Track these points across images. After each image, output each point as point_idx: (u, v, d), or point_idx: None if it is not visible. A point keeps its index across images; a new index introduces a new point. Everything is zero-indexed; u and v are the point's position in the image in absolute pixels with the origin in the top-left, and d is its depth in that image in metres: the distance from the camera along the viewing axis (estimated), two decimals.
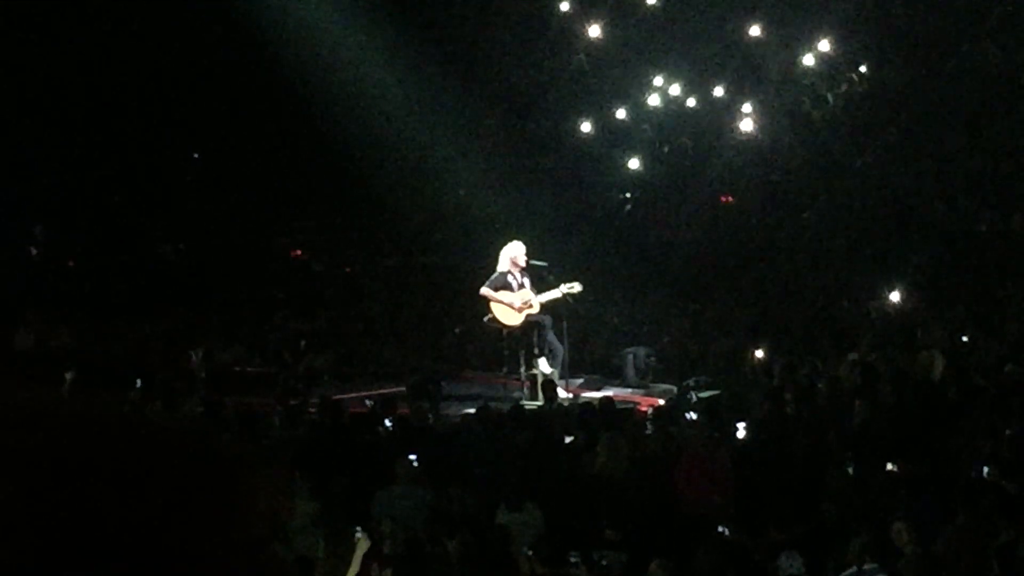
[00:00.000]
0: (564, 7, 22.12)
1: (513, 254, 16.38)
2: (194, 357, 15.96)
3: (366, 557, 10.09)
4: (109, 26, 21.30)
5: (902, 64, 22.11)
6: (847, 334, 17.50)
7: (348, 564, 10.25)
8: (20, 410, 0.98)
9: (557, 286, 16.35)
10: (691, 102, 22.67)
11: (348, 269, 23.11)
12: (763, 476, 12.04)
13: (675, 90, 22.53)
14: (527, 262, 16.44)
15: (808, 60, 22.11)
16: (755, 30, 22.03)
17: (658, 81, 22.58)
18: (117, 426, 0.98)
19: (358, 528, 9.67)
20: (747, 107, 22.40)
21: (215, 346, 17.91)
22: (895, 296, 18.64)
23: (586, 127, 22.94)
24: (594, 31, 22.05)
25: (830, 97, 22.60)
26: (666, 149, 23.11)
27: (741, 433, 13.31)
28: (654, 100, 22.65)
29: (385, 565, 10.06)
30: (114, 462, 0.93)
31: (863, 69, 22.46)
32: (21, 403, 1.00)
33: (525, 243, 16.66)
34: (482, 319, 16.74)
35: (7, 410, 0.98)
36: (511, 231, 17.64)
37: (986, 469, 10.62)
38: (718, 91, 22.48)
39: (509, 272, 16.30)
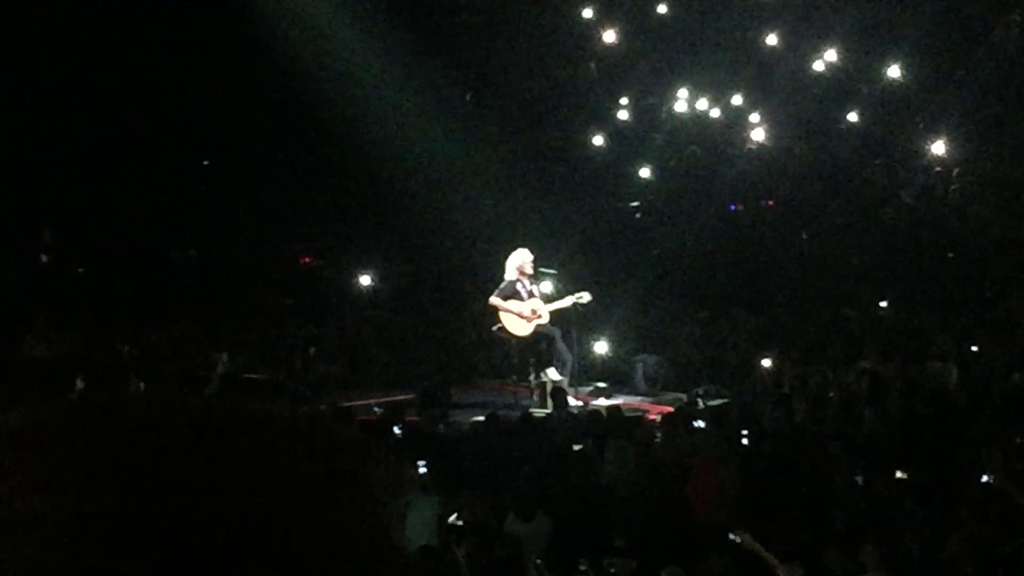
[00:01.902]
0: (579, 14, 22.12)
1: (519, 262, 16.27)
2: (220, 363, 15.82)
3: None
4: (121, 31, 21.34)
5: (912, 72, 22.09)
6: (857, 342, 17.49)
7: None
8: (147, 410, 0.99)
9: (566, 295, 16.32)
10: (702, 111, 22.67)
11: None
12: (772, 484, 12.04)
13: (687, 99, 22.53)
14: (535, 269, 16.39)
15: (819, 68, 22.11)
16: (767, 39, 22.03)
17: (669, 90, 22.58)
18: (239, 419, 0.99)
19: None
20: (758, 116, 22.41)
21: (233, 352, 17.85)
22: (904, 304, 18.63)
23: (596, 136, 22.94)
24: (606, 38, 22.05)
25: (840, 106, 22.60)
26: (677, 158, 23.10)
27: (750, 441, 13.29)
28: (665, 109, 22.65)
29: None
30: (239, 454, 0.94)
31: (874, 77, 22.46)
32: (141, 404, 1.01)
33: (534, 251, 16.61)
34: (491, 328, 16.71)
35: (137, 410, 0.99)
36: (520, 239, 17.59)
37: (993, 477, 10.61)
38: (730, 100, 22.49)
39: (517, 280, 16.20)
